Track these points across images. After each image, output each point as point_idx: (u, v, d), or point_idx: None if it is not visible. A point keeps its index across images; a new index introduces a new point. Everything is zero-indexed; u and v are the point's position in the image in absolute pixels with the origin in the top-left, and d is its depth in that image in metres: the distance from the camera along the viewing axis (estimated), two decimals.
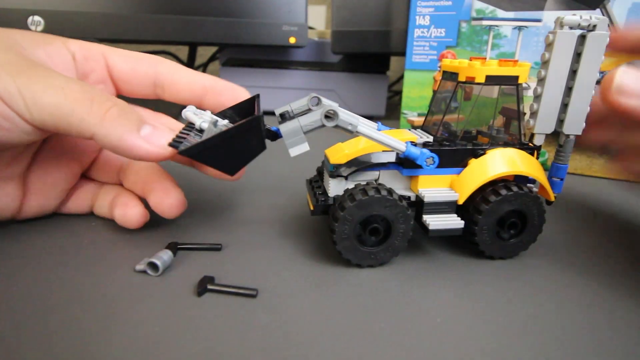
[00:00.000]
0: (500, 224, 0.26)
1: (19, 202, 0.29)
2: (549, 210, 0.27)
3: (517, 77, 0.26)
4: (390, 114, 0.72)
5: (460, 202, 0.26)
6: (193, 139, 0.24)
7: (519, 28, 0.47)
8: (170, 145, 0.23)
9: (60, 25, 0.57)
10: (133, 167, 0.31)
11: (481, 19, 0.48)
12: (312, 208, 0.27)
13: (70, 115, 0.23)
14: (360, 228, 0.25)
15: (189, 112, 0.25)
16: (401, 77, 0.82)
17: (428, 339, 0.20)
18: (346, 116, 0.23)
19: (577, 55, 0.26)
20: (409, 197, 0.27)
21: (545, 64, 0.26)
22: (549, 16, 0.45)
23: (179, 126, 0.29)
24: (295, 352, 0.19)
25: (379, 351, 0.20)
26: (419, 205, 0.26)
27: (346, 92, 0.72)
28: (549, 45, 0.26)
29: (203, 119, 0.24)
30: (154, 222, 0.31)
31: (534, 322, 0.22)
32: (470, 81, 0.26)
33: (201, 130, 0.24)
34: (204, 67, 0.85)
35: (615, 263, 0.28)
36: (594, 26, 0.25)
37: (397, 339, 0.20)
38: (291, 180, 0.41)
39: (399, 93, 0.86)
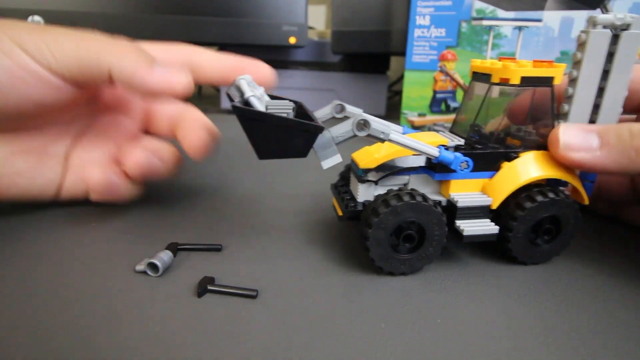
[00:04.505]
0: (535, 229, 0.26)
1: (60, 179, 0.31)
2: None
3: (552, 78, 0.25)
4: (390, 114, 0.72)
5: (494, 206, 0.25)
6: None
7: (519, 28, 0.47)
8: (229, 95, 0.23)
9: (60, 25, 0.57)
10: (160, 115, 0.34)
11: (481, 19, 0.48)
12: (340, 214, 0.26)
13: (90, 54, 0.26)
14: (393, 235, 0.25)
15: (243, 81, 0.24)
16: (401, 77, 0.82)
17: (427, 339, 0.20)
18: (378, 125, 0.23)
19: (610, 55, 0.25)
20: (440, 202, 0.26)
21: (577, 64, 0.25)
22: (549, 16, 0.45)
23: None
24: (295, 353, 0.19)
25: (378, 352, 0.19)
26: (451, 210, 0.25)
27: (346, 92, 0.72)
28: (581, 45, 0.25)
29: (254, 94, 0.23)
30: (154, 222, 0.31)
31: (532, 325, 0.22)
32: (505, 83, 0.25)
33: (247, 103, 0.23)
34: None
35: (621, 267, 0.27)
36: (628, 25, 0.24)
37: (396, 341, 0.20)
38: (292, 184, 0.41)
39: (399, 93, 0.86)
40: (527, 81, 0.25)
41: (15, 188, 0.29)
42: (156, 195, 0.36)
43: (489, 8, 0.48)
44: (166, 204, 0.35)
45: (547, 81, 0.25)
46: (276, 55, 0.71)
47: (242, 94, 0.23)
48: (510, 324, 0.22)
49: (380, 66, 0.72)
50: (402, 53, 0.57)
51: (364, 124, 0.22)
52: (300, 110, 0.25)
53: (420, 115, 0.56)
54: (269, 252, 0.28)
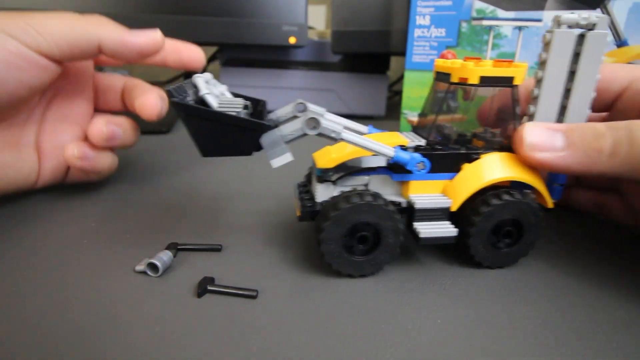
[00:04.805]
0: (495, 232, 0.25)
1: (38, 167, 0.33)
2: (547, 216, 0.26)
3: (512, 78, 0.25)
4: (390, 114, 0.72)
5: (454, 209, 0.25)
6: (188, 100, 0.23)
7: (519, 28, 0.47)
8: (168, 92, 0.22)
9: None
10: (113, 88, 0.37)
11: (481, 19, 0.48)
12: (298, 214, 0.26)
13: (78, 30, 0.28)
14: (348, 236, 0.24)
15: (199, 79, 0.24)
16: (401, 77, 0.82)
17: (426, 340, 0.20)
18: (329, 123, 0.22)
19: (576, 56, 0.25)
20: (399, 204, 0.25)
21: (542, 64, 0.25)
22: (549, 16, 0.45)
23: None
24: (295, 353, 0.19)
25: (379, 353, 0.19)
26: (410, 212, 0.25)
27: (346, 92, 0.72)
28: (546, 45, 0.25)
29: (211, 92, 0.23)
30: (154, 222, 0.31)
31: (530, 324, 0.22)
32: (463, 83, 0.24)
33: (202, 102, 0.23)
34: (203, 67, 0.86)
35: (614, 267, 0.27)
36: (594, 25, 0.24)
37: (396, 341, 0.20)
38: (292, 183, 0.41)
39: (399, 93, 0.86)
40: (486, 81, 0.24)
41: (5, 180, 0.31)
42: (156, 196, 0.36)
43: (489, 8, 0.48)
44: (166, 204, 0.35)
45: (507, 81, 0.25)
46: (276, 55, 0.71)
47: (197, 91, 0.23)
48: (510, 324, 0.22)
49: (380, 66, 0.72)
50: (402, 53, 0.57)
51: (314, 123, 0.22)
52: (257, 108, 0.24)
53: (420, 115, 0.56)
54: (269, 252, 0.28)
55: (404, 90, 0.56)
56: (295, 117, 0.24)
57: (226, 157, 0.23)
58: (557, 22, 0.24)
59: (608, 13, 0.42)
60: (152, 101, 0.33)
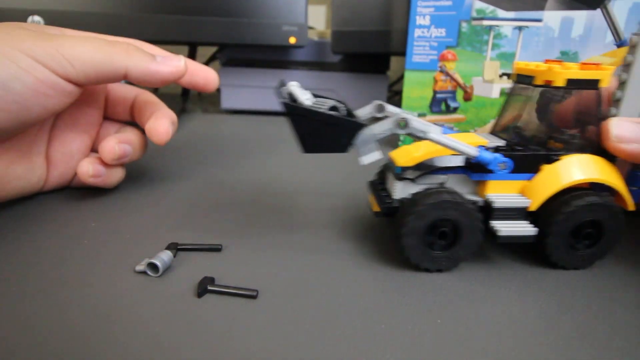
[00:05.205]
0: (574, 233, 0.26)
1: (46, 175, 0.34)
2: (627, 219, 0.26)
3: (599, 81, 0.25)
4: None
5: (532, 209, 0.25)
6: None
7: (520, 28, 0.47)
8: (278, 93, 0.24)
9: (60, 25, 0.57)
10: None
11: (481, 19, 0.48)
12: (376, 210, 0.27)
13: (106, 59, 0.29)
14: (428, 232, 0.25)
15: (294, 87, 0.25)
16: (401, 77, 0.82)
17: (426, 340, 0.20)
18: (417, 124, 0.23)
19: None
20: (476, 202, 0.26)
21: (627, 67, 0.25)
22: (549, 16, 0.45)
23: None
24: (295, 353, 0.19)
25: (379, 353, 0.19)
26: (487, 211, 0.25)
27: (346, 92, 0.72)
28: (632, 47, 0.25)
29: (307, 97, 0.25)
30: (154, 222, 0.31)
31: (532, 324, 0.22)
32: (548, 85, 0.25)
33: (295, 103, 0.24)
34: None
35: None
36: None
37: (396, 341, 0.20)
38: (290, 183, 0.41)
39: (399, 93, 0.86)
40: (572, 83, 0.24)
41: (14, 191, 0.32)
42: (156, 195, 0.36)
43: (489, 8, 0.48)
44: (166, 204, 0.35)
45: (593, 84, 0.25)
46: (276, 55, 0.71)
47: (291, 96, 0.24)
48: (511, 324, 0.22)
49: (380, 66, 0.72)
50: (402, 53, 0.57)
51: (404, 122, 0.23)
52: (345, 108, 0.26)
53: (420, 115, 0.56)
54: (269, 252, 0.28)
55: (404, 90, 0.56)
56: (374, 117, 0.25)
57: (323, 153, 0.24)
58: None
59: (608, 13, 0.42)
60: (163, 128, 0.34)
